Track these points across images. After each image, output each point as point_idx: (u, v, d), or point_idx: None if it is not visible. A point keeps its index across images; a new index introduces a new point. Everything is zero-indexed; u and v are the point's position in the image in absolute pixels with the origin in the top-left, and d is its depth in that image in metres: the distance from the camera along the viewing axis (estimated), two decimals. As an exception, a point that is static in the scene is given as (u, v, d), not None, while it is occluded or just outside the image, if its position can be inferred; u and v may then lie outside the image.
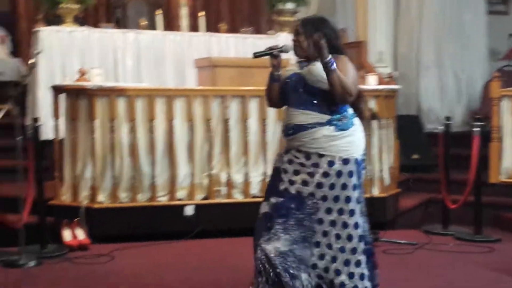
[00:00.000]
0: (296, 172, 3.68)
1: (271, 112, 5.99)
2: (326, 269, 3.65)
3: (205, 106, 5.85)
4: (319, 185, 3.65)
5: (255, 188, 5.98)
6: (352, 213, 3.65)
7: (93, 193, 5.58)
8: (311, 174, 3.66)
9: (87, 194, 5.61)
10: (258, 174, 6.00)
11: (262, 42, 8.14)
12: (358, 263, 3.66)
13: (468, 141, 6.03)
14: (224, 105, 5.92)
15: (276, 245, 3.61)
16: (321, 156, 3.66)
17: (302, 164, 3.68)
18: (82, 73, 6.04)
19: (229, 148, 5.94)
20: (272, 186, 3.75)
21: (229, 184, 5.90)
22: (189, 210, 5.78)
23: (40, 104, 6.80)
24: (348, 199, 3.66)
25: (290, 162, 3.70)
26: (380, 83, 6.97)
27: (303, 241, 3.65)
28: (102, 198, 5.59)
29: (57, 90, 5.87)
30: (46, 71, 7.03)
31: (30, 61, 6.83)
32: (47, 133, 6.18)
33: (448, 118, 6.40)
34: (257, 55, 3.79)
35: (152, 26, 8.29)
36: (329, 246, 3.65)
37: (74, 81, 6.01)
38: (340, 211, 3.65)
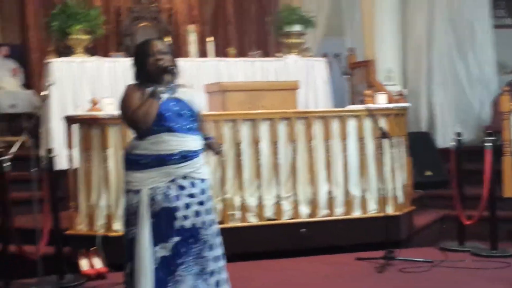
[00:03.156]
0: (188, 206, 3.64)
1: (282, 134, 6.03)
2: None
3: (216, 131, 5.87)
4: (208, 212, 3.72)
5: (269, 211, 5.99)
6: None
7: (108, 221, 5.60)
8: (202, 203, 3.69)
9: (103, 223, 5.64)
10: (271, 197, 6.01)
11: (270, 64, 8.23)
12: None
13: (480, 156, 6.02)
14: (235, 129, 5.95)
15: (182, 287, 3.59)
16: (203, 180, 3.72)
17: (191, 195, 3.65)
18: (94, 103, 6.10)
19: (242, 172, 5.96)
20: (163, 227, 3.59)
21: (243, 207, 5.92)
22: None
23: (53, 134, 6.88)
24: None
25: (178, 197, 3.62)
26: (390, 101, 6.99)
27: (201, 273, 3.64)
28: (118, 226, 5.61)
29: (70, 120, 5.90)
30: (58, 102, 7.13)
31: (42, 93, 6.90)
32: (61, 163, 6.21)
33: (459, 134, 6.38)
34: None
35: (161, 53, 8.35)
36: (219, 271, 3.72)
37: (86, 111, 6.06)
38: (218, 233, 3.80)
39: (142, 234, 3.57)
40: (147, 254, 3.55)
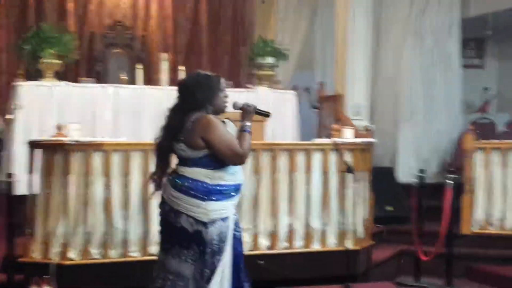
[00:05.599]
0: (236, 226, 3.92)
1: (247, 166, 6.00)
2: None
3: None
4: None
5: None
6: None
7: (64, 249, 5.55)
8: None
9: (58, 251, 5.58)
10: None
11: (241, 95, 8.25)
12: None
13: (442, 193, 6.08)
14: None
15: None
16: None
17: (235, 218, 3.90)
18: (60, 128, 6.09)
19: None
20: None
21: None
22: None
23: (15, 159, 6.85)
24: None
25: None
26: (357, 136, 7.04)
27: None
28: (73, 255, 5.56)
29: (34, 145, 5.85)
30: (23, 126, 7.10)
31: (7, 116, 6.89)
32: (21, 188, 6.18)
33: (421, 171, 6.44)
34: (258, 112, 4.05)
35: (132, 80, 8.37)
36: None
37: (51, 136, 6.05)
38: None
39: (228, 259, 3.73)
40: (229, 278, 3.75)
